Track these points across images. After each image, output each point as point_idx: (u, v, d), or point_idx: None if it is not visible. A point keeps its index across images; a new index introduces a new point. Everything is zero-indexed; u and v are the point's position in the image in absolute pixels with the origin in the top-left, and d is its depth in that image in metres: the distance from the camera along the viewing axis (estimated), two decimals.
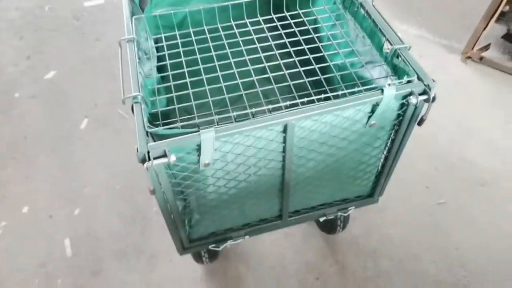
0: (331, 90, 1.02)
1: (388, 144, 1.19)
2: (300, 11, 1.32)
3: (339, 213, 1.41)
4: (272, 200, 1.24)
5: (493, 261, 1.66)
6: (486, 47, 2.37)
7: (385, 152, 1.22)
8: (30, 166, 2.01)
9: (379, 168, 1.29)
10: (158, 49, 1.26)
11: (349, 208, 1.40)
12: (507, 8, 2.21)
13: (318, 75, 1.12)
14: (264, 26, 1.27)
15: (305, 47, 1.20)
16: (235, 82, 1.10)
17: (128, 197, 1.89)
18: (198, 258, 1.54)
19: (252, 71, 1.12)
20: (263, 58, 1.17)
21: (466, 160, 1.96)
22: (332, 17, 1.28)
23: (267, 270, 1.67)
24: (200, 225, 1.24)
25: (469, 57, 2.38)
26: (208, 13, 1.35)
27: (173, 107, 1.04)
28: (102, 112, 2.21)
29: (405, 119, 1.05)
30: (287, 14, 1.32)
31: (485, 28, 2.24)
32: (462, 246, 1.70)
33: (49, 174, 1.98)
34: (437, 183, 1.90)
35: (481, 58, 2.35)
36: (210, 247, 1.33)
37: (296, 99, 0.99)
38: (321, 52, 1.20)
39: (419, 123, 1.07)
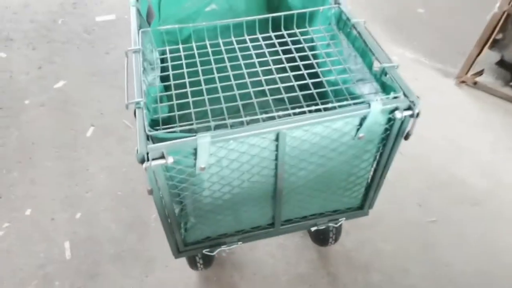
0: (324, 104, 1.09)
1: (377, 158, 1.25)
2: (297, 30, 1.41)
3: (330, 224, 1.46)
4: (265, 207, 1.30)
5: (482, 278, 1.69)
6: (480, 73, 2.45)
7: (374, 165, 1.28)
8: (36, 170, 2.09)
9: (369, 180, 1.34)
10: (163, 61, 1.35)
11: (339, 219, 1.45)
12: (500, 35, 2.30)
13: (311, 89, 1.19)
14: (263, 43, 1.36)
15: (300, 63, 1.28)
16: (233, 93, 1.18)
17: (129, 203, 1.95)
18: (193, 264, 1.59)
19: (249, 84, 1.20)
20: (260, 72, 1.25)
21: (458, 179, 2.01)
22: (327, 37, 1.37)
23: (260, 280, 1.70)
24: (195, 229, 1.30)
25: (463, 82, 2.46)
26: (213, 31, 1.44)
27: (173, 113, 1.11)
28: (108, 121, 2.30)
29: (392, 133, 1.12)
30: (285, 32, 1.41)
31: (478, 54, 2.33)
32: (451, 263, 1.74)
33: (53, 179, 2.05)
34: (429, 200, 1.94)
35: (475, 83, 2.43)
36: (205, 251, 1.38)
37: (289, 110, 1.06)
38: (316, 68, 1.28)
39: (406, 138, 1.14)
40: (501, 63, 2.44)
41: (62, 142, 2.22)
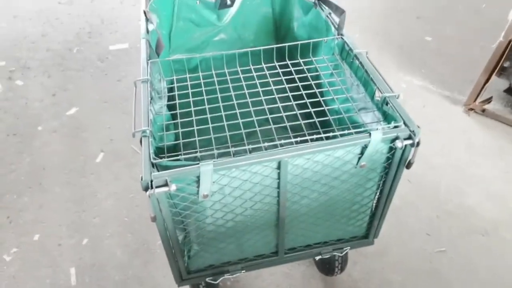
0: (326, 133, 1.10)
1: (380, 186, 1.24)
2: (301, 60, 1.44)
3: (335, 253, 1.44)
4: (268, 235, 1.29)
5: None
6: (488, 100, 2.45)
7: (377, 194, 1.28)
8: (45, 195, 2.12)
9: (373, 209, 1.33)
10: (171, 90, 1.39)
11: (344, 248, 1.43)
12: (507, 63, 2.30)
13: (314, 118, 1.21)
14: (267, 72, 1.39)
15: (303, 92, 1.30)
16: (237, 121, 1.20)
17: (134, 229, 1.96)
18: None
19: (253, 112, 1.23)
20: (264, 101, 1.28)
21: (467, 208, 1.98)
22: (330, 66, 1.40)
23: None
24: (198, 256, 1.29)
25: (471, 109, 2.46)
26: (220, 60, 1.48)
27: (178, 141, 1.14)
28: (117, 147, 2.34)
29: (394, 162, 1.12)
30: (289, 62, 1.44)
31: (486, 82, 2.34)
32: None
33: (62, 204, 2.08)
34: (438, 230, 1.91)
35: (483, 110, 2.43)
36: (208, 279, 1.37)
37: (292, 139, 1.07)
38: (319, 97, 1.31)
39: (407, 166, 1.14)
40: (510, 91, 2.44)
41: (72, 167, 2.26)
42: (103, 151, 2.34)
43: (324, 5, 1.52)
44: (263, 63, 1.41)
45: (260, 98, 1.28)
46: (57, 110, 2.61)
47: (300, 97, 1.29)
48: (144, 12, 1.49)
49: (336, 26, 1.41)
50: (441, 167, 2.16)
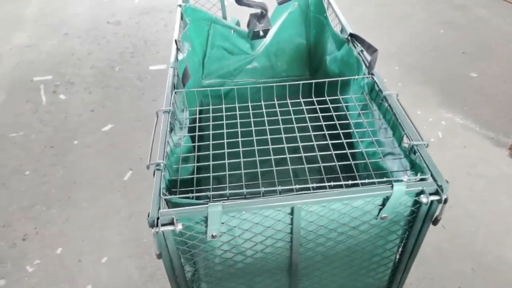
0: (348, 177, 1.04)
1: (404, 239, 1.15)
2: (328, 98, 1.39)
3: None
4: (281, 279, 1.23)
5: None
6: None
7: (400, 247, 1.18)
8: (72, 209, 2.17)
9: (396, 261, 1.24)
10: (194, 120, 1.38)
11: None
12: None
13: (334, 162, 1.15)
14: (291, 109, 1.35)
15: (326, 132, 1.25)
16: (254, 159, 1.17)
17: (152, 252, 1.95)
18: None
19: (271, 150, 1.19)
20: (284, 139, 1.24)
21: (505, 262, 1.81)
22: (358, 106, 1.34)
23: None
24: None
25: None
26: (248, 89, 1.46)
27: (192, 176, 1.12)
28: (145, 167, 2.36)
29: (419, 217, 1.03)
30: (315, 99, 1.40)
31: None
32: None
33: (86, 219, 2.12)
34: (472, 285, 1.75)
35: None
36: None
37: (308, 182, 1.02)
38: (342, 139, 1.25)
39: (434, 223, 1.04)
40: None
41: (101, 183, 2.31)
42: (132, 169, 2.38)
43: (356, 42, 1.47)
44: (288, 99, 1.38)
45: (280, 136, 1.24)
46: (94, 125, 2.70)
47: (323, 137, 1.24)
48: (175, 41, 1.51)
49: (367, 64, 1.36)
50: (480, 214, 2.01)
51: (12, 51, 3.44)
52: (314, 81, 1.35)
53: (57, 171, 2.39)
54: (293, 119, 1.30)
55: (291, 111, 1.34)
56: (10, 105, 2.88)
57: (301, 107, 1.35)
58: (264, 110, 1.33)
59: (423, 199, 0.96)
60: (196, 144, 1.24)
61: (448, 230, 1.92)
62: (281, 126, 1.27)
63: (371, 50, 1.35)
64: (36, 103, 2.90)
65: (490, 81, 2.86)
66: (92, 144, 2.56)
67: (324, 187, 1.01)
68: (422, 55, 3.19)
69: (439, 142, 2.40)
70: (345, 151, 1.18)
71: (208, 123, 1.31)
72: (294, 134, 1.25)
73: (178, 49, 1.48)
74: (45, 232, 2.08)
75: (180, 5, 1.82)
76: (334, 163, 1.15)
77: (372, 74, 1.34)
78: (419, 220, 1.04)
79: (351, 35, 1.50)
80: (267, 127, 1.27)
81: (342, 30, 1.63)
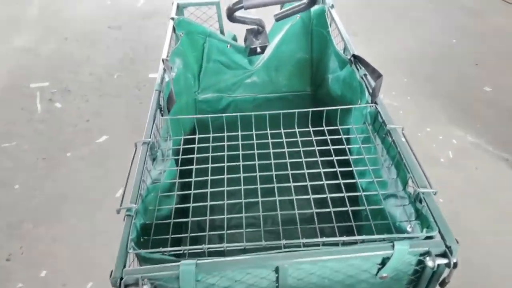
0: (344, 228, 0.91)
1: None
2: (326, 128, 1.26)
3: None
4: None
5: None
6: None
7: None
8: (60, 227, 2.07)
9: None
10: (178, 151, 1.26)
11: None
12: None
13: (330, 208, 1.02)
14: (284, 140, 1.22)
15: (322, 171, 1.12)
16: (240, 201, 1.04)
17: None
18: None
19: (259, 190, 1.06)
20: (274, 177, 1.11)
21: None
22: (359, 139, 1.20)
23: None
24: None
25: None
26: (246, 103, 1.33)
27: (168, 221, 1.00)
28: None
29: (423, 279, 0.90)
30: (312, 129, 1.27)
31: None
32: None
33: (74, 239, 2.02)
34: None
35: None
36: None
37: (298, 233, 0.90)
38: (340, 180, 1.11)
39: (441, 285, 0.91)
40: None
41: (91, 199, 2.21)
42: (123, 185, 2.27)
43: (360, 65, 1.34)
44: (282, 128, 1.25)
45: (271, 173, 1.11)
46: (88, 136, 2.60)
47: (319, 176, 1.11)
48: (163, 61, 1.39)
49: (371, 91, 1.23)
50: (494, 246, 1.86)
51: (10, 55, 3.36)
52: (311, 109, 1.22)
53: (48, 183, 2.30)
54: (286, 153, 1.17)
55: (285, 143, 1.21)
56: (4, 113, 2.80)
57: (296, 139, 1.22)
58: (255, 141, 1.20)
59: (429, 262, 0.83)
60: (177, 181, 1.12)
61: (459, 266, 1.78)
62: (272, 161, 1.14)
63: (376, 75, 1.22)
64: (31, 111, 2.81)
65: (506, 96, 2.69)
66: (86, 156, 2.47)
67: (316, 243, 0.88)
68: (433, 64, 3.03)
69: (449, 162, 2.25)
70: (342, 194, 1.05)
71: (193, 156, 1.19)
72: (287, 172, 1.12)
73: (164, 70, 1.35)
74: (31, 251, 1.99)
75: (172, 18, 1.71)
76: (329, 209, 1.02)
77: (375, 103, 1.21)
78: (423, 281, 0.91)
79: (354, 56, 1.36)
80: (257, 162, 1.14)
81: (345, 49, 1.49)
